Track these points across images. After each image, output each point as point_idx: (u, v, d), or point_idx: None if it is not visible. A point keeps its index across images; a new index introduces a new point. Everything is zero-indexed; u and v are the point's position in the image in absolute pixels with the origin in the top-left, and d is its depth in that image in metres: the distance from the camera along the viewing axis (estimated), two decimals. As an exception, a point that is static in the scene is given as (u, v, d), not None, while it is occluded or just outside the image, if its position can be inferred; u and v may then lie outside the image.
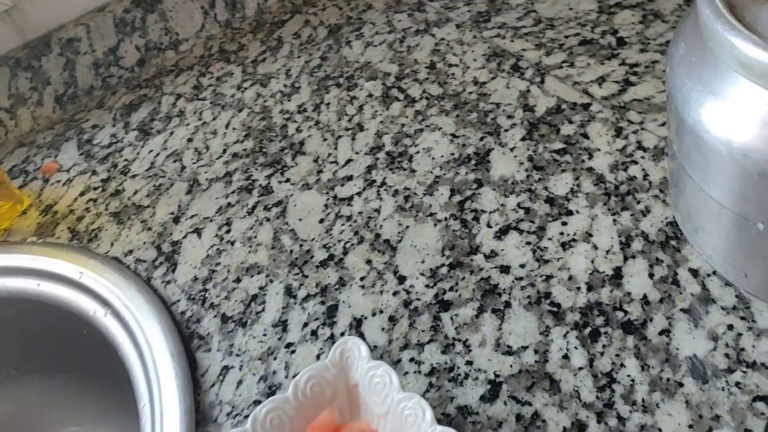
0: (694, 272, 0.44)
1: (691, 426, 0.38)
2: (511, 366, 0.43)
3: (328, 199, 0.58)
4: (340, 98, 0.68)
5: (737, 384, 0.39)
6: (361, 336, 0.47)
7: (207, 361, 0.49)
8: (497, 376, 0.43)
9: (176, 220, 0.60)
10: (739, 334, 0.41)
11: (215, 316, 0.51)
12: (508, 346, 0.44)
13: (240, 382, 0.47)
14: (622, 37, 0.64)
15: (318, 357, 0.47)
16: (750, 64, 0.31)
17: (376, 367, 0.40)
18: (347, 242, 0.54)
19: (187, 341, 0.50)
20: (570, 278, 0.47)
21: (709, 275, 0.44)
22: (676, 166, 0.42)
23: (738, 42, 0.32)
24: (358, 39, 0.76)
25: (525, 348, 0.44)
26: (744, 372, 0.39)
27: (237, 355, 0.48)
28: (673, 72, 0.38)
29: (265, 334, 0.49)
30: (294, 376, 0.43)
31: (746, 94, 0.33)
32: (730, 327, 0.41)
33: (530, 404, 0.41)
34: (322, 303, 0.50)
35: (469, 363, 0.44)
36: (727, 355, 0.40)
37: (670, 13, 0.65)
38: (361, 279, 0.51)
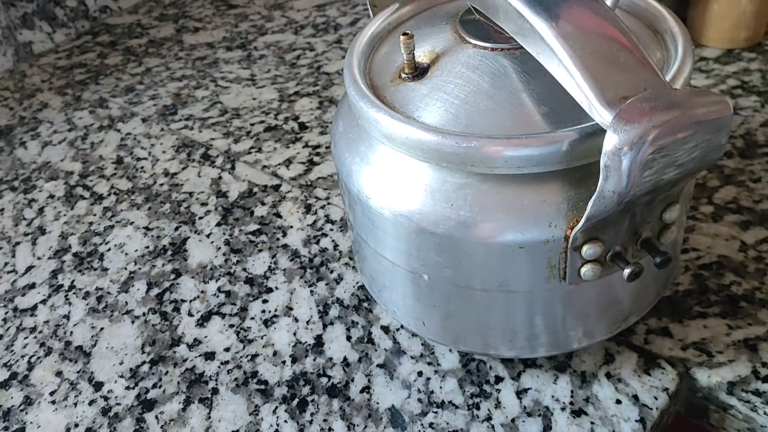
0: (386, 329, 0.48)
1: (396, 474, 0.40)
2: (223, 455, 0.42)
3: (6, 313, 0.52)
4: (15, 202, 0.62)
5: (431, 425, 0.42)
6: (55, 457, 0.42)
7: None
8: (209, 467, 0.41)
9: None
10: (428, 379, 0.44)
11: None
12: (218, 434, 0.43)
13: None
14: (303, 122, 0.69)
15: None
16: (391, 135, 0.35)
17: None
18: (32, 356, 0.48)
19: None
20: (275, 354, 0.47)
21: (398, 329, 0.48)
22: (355, 234, 0.45)
23: (380, 117, 0.36)
24: (33, 139, 0.71)
25: (235, 432, 0.43)
26: (435, 412, 0.42)
27: None
28: (336, 148, 0.41)
29: None
30: None
31: (393, 161, 0.37)
32: (420, 373, 0.45)
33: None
34: (5, 429, 0.44)
35: (178, 461, 0.42)
36: (420, 400, 0.43)
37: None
38: (51, 394, 0.46)
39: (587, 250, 0.33)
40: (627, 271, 0.34)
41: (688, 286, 0.47)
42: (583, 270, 0.34)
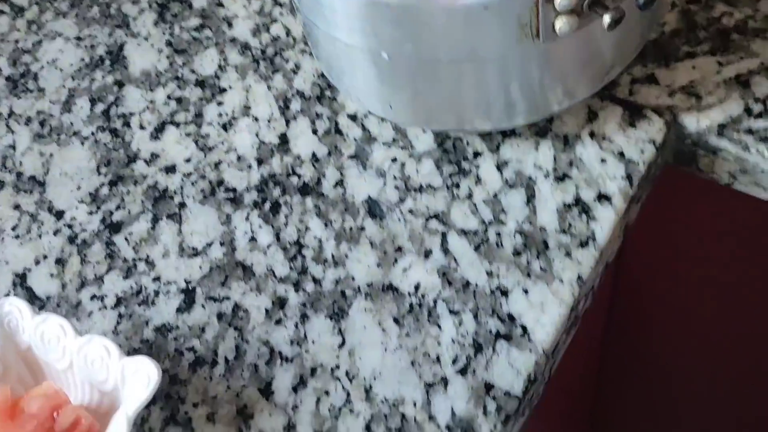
0: (352, 117, 0.44)
1: (379, 264, 0.39)
2: (200, 267, 0.40)
3: (-54, 150, 0.48)
4: (-73, 26, 0.55)
5: (410, 211, 0.40)
6: (30, 291, 0.41)
7: None
8: (188, 282, 0.40)
9: None
10: (403, 164, 0.42)
11: None
12: (193, 248, 0.41)
13: None
14: None
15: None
16: None
17: (44, 322, 0.35)
18: (-16, 193, 0.46)
19: None
20: (239, 158, 0.44)
21: (365, 116, 0.44)
22: (303, 18, 0.40)
23: None
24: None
25: (210, 245, 0.41)
26: (414, 198, 0.40)
27: None
28: None
29: None
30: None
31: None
32: (394, 159, 0.42)
33: (228, 298, 0.39)
34: (-26, 271, 0.42)
35: (156, 279, 0.40)
36: (396, 187, 0.41)
37: None
38: (13, 228, 0.44)
39: (561, 1, 0.29)
40: (607, 18, 0.29)
41: (675, 25, 0.43)
42: (558, 24, 0.30)
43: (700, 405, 0.73)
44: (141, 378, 0.32)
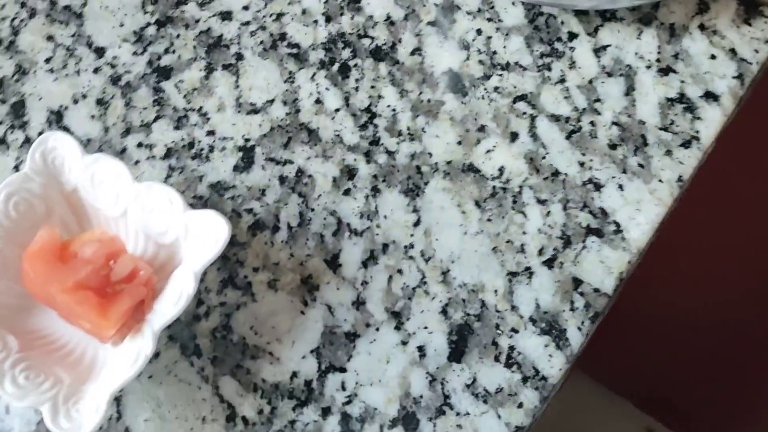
0: (434, -20, 0.40)
1: (459, 142, 0.36)
2: (260, 125, 0.37)
3: (-32, -34, 0.42)
4: None
5: (496, 89, 0.37)
6: (67, 131, 0.37)
7: None
8: (247, 140, 0.36)
9: None
10: (489, 38, 0.38)
11: None
12: (252, 104, 0.37)
13: None
14: None
15: (17, 168, 0.36)
16: None
17: (95, 163, 0.31)
18: (14, 19, 0.41)
19: None
20: (304, 12, 0.40)
21: (449, -20, 0.40)
22: None
23: None
24: None
25: (271, 102, 0.37)
26: (500, 75, 0.37)
27: None
28: None
29: (-69, 159, 0.37)
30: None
31: None
32: (479, 32, 0.38)
33: (291, 162, 0.36)
34: (2, 102, 0.38)
35: (210, 133, 0.37)
36: (481, 62, 0.37)
37: None
38: (47, 61, 0.39)
39: None
40: None
41: None
42: None
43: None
44: (208, 234, 0.29)
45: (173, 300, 0.28)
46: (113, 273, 0.29)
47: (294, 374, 0.31)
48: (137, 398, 0.32)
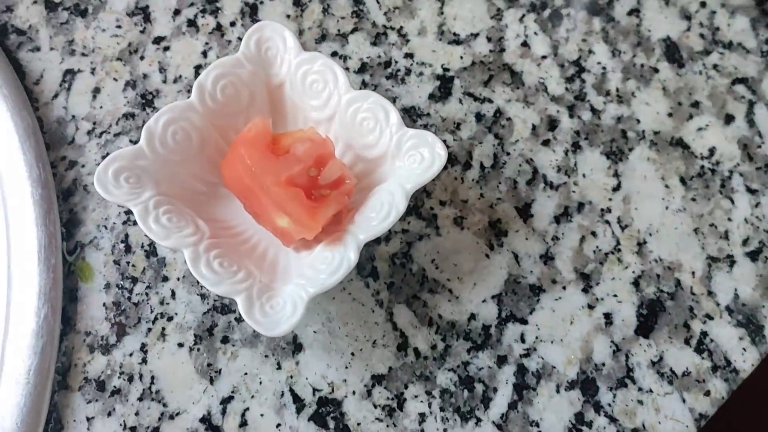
0: (659, -58, 0.38)
1: (670, 114, 0.34)
2: (461, 57, 0.35)
3: None
4: None
5: (714, 66, 0.35)
6: (261, 26, 0.36)
7: (38, 64, 0.35)
8: (446, 70, 0.35)
9: None
10: (713, 12, 0.36)
11: (34, 1, 0.36)
12: (455, 34, 0.36)
13: (97, 91, 0.34)
14: None
15: (204, 54, 0.35)
16: None
17: (312, 61, 0.30)
18: None
19: None
20: (515, -50, 0.38)
21: (676, -55, 0.38)
22: None
23: None
24: None
25: (475, 36, 0.36)
26: (721, 53, 0.35)
27: (83, 54, 0.35)
28: None
29: (119, 26, 0.36)
30: (176, 81, 0.32)
31: None
32: (703, 4, 0.36)
33: (490, 101, 0.34)
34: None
35: (408, 56, 0.35)
36: (702, 36, 0.35)
37: None
38: (246, -49, 0.38)
39: None
40: None
41: None
42: None
43: None
44: (422, 154, 0.28)
45: (382, 215, 0.27)
46: (321, 176, 0.28)
47: (472, 316, 0.30)
48: (308, 309, 0.31)
